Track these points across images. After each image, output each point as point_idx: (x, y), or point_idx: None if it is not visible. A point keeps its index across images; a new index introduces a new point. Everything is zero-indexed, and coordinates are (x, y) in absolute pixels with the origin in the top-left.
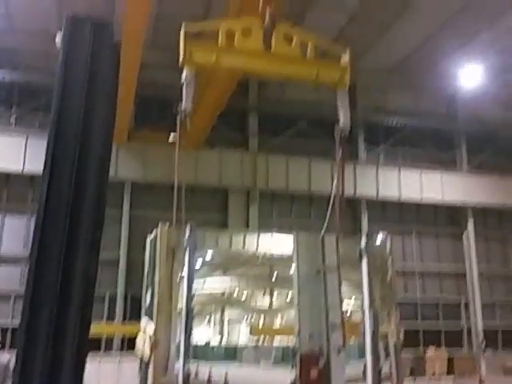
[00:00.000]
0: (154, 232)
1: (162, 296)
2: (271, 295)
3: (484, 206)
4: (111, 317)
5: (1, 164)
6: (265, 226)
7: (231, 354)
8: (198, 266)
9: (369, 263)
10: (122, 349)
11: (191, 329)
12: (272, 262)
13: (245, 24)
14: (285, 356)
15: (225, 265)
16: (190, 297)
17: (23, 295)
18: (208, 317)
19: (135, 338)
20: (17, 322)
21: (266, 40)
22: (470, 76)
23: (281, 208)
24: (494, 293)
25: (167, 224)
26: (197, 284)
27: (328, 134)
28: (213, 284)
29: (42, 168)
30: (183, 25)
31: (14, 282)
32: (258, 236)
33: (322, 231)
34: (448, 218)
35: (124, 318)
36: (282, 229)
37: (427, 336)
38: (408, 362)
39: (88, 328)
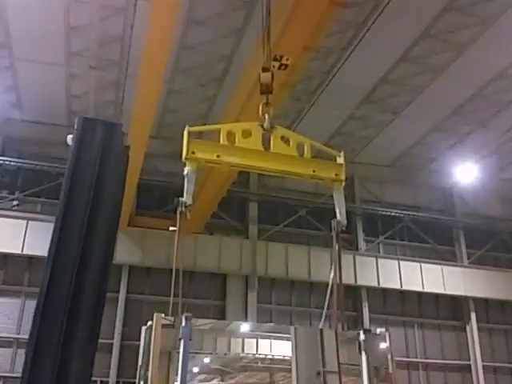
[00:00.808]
0: (149, 322)
1: None
2: None
3: (486, 299)
4: None
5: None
6: (264, 312)
7: None
8: (195, 370)
9: (368, 360)
10: None
11: None
12: (273, 365)
13: (244, 127)
14: None
15: (222, 372)
16: None
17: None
18: None
19: None
20: None
21: (265, 141)
22: (465, 173)
23: (280, 295)
24: None
25: (163, 316)
26: None
27: (327, 223)
28: None
29: (40, 251)
30: (186, 127)
31: (5, 366)
32: (257, 340)
33: (321, 323)
34: (450, 310)
35: None
36: (281, 316)
37: None
38: None
39: None
